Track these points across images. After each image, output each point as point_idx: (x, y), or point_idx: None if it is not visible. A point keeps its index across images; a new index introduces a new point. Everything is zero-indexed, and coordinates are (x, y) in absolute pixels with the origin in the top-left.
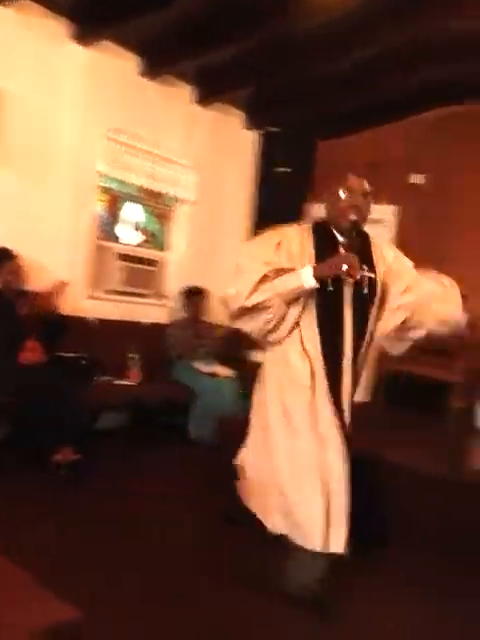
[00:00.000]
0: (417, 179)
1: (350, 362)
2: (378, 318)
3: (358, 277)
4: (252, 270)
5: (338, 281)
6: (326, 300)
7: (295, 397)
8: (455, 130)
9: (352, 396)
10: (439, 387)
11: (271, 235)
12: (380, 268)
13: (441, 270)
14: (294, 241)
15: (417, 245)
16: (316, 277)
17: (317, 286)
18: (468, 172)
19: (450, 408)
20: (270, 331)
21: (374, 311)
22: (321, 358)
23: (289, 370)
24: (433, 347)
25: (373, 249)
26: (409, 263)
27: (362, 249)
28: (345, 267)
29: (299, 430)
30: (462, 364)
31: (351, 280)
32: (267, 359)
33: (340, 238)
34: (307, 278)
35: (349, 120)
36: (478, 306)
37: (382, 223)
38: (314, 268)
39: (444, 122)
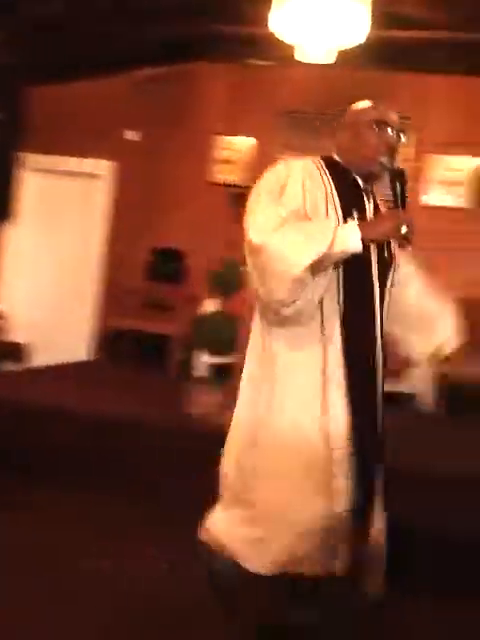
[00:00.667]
0: (132, 135)
1: (380, 348)
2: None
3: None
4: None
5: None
6: (352, 266)
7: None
8: (171, 89)
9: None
10: (162, 341)
11: (273, 181)
12: None
13: (160, 224)
14: (312, 177)
15: (135, 202)
16: (364, 240)
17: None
18: (181, 131)
19: (171, 360)
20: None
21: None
22: (341, 344)
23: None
24: (152, 302)
25: (407, 194)
26: None
27: (395, 196)
28: (405, 229)
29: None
30: (180, 317)
31: (407, 248)
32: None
33: (362, 184)
34: (354, 242)
35: (67, 69)
36: (202, 262)
37: (99, 179)
38: (361, 228)
39: (160, 80)
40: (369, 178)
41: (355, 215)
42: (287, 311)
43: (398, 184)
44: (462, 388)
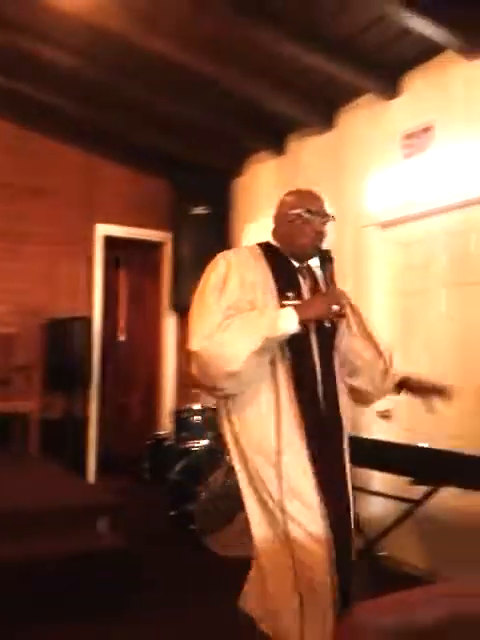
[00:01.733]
0: None
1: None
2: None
3: (344, 317)
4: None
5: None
6: (294, 343)
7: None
8: None
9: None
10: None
11: (215, 278)
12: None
13: None
14: (247, 266)
15: None
16: (301, 322)
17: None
18: None
19: None
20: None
21: (340, 345)
22: (296, 403)
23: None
24: None
25: (334, 272)
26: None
27: (325, 275)
28: (336, 307)
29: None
30: None
31: (340, 320)
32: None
33: (296, 264)
34: (291, 325)
35: None
36: None
37: None
38: (297, 310)
39: None
40: (303, 259)
41: (290, 296)
42: (225, 392)
43: (327, 265)
44: None
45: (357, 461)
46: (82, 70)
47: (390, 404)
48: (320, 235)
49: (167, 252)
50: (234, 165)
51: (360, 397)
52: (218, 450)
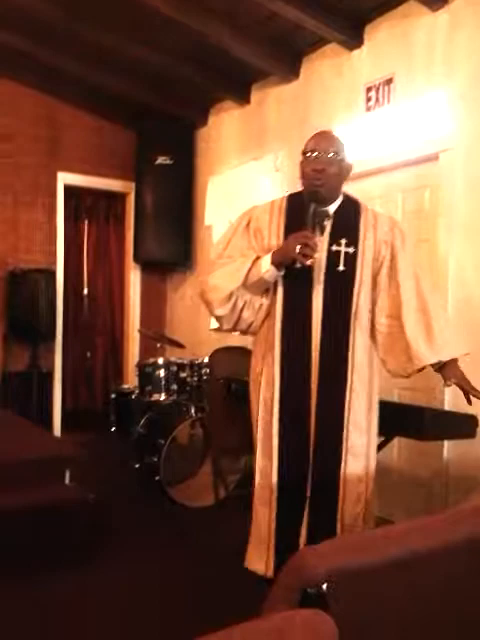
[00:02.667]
0: None
1: (319, 356)
2: (374, 298)
3: (315, 258)
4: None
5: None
6: (292, 283)
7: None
8: None
9: (333, 402)
10: None
11: (241, 217)
12: (369, 242)
13: None
14: (262, 218)
15: None
16: (274, 263)
17: (279, 273)
18: None
19: None
20: (242, 327)
21: (361, 290)
22: (279, 355)
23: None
24: None
25: (363, 219)
26: (408, 262)
27: (342, 219)
28: (298, 248)
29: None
30: None
31: (307, 264)
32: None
33: (311, 208)
34: (265, 265)
35: None
36: None
37: None
38: (273, 254)
39: None
40: (316, 201)
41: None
42: (218, 312)
43: (312, 206)
44: None
45: None
46: (40, 9)
47: None
48: (316, 173)
49: (131, 202)
50: (198, 115)
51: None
52: (182, 403)
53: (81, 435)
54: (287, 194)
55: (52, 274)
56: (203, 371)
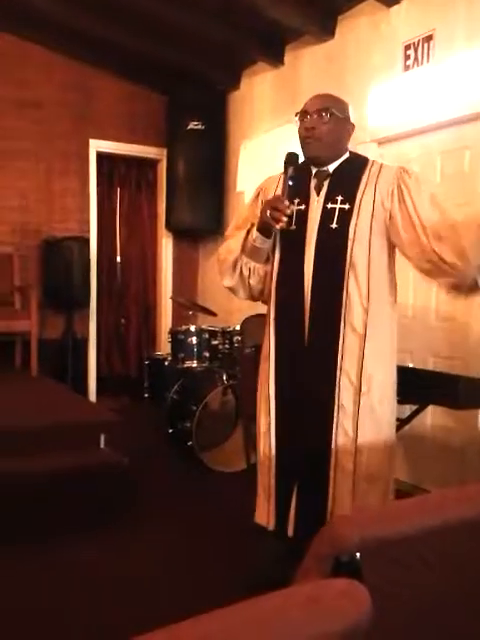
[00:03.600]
0: None
1: (309, 318)
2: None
3: (284, 221)
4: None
5: (300, 222)
6: (285, 248)
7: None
8: None
9: (324, 362)
10: None
11: (255, 191)
12: (367, 197)
13: None
14: (269, 188)
15: None
16: (258, 230)
17: (267, 239)
18: None
19: None
20: (255, 294)
21: (354, 246)
22: (273, 316)
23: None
24: None
25: (366, 175)
26: (422, 196)
27: (340, 177)
28: (268, 212)
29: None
30: None
31: (277, 227)
32: None
33: (313, 170)
34: (254, 232)
35: None
36: None
37: None
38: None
39: None
40: (314, 164)
41: (296, 202)
42: (226, 283)
43: (286, 167)
44: None
45: None
46: None
47: None
48: (306, 132)
49: (162, 169)
50: (231, 78)
51: (454, 286)
52: (214, 370)
53: (115, 401)
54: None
55: (86, 242)
56: (234, 339)
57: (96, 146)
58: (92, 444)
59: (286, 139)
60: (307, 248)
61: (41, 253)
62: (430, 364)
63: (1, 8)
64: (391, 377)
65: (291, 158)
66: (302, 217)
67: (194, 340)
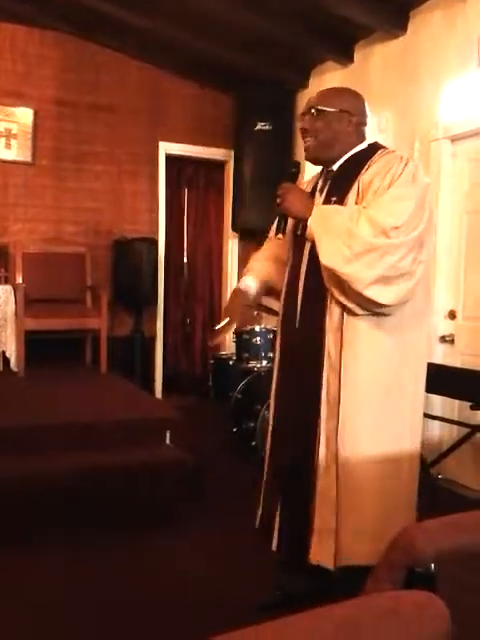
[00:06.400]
0: None
1: (299, 316)
2: None
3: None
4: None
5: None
6: (292, 245)
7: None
8: None
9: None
10: None
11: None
12: (353, 189)
13: None
14: (308, 186)
15: None
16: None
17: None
18: None
19: None
20: None
21: None
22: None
23: None
24: None
25: (366, 168)
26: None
27: (341, 175)
28: (279, 199)
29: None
30: None
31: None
32: None
33: (325, 171)
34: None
35: None
36: None
37: None
38: None
39: None
40: (324, 163)
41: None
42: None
43: (291, 173)
44: None
45: None
46: None
47: (452, 329)
48: (302, 134)
49: (230, 171)
50: (299, 78)
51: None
52: None
53: (181, 399)
54: None
55: (154, 242)
56: None
57: (165, 148)
58: (158, 441)
59: None
60: (306, 246)
61: (112, 253)
62: None
63: (76, 17)
64: (383, 382)
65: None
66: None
67: (259, 340)
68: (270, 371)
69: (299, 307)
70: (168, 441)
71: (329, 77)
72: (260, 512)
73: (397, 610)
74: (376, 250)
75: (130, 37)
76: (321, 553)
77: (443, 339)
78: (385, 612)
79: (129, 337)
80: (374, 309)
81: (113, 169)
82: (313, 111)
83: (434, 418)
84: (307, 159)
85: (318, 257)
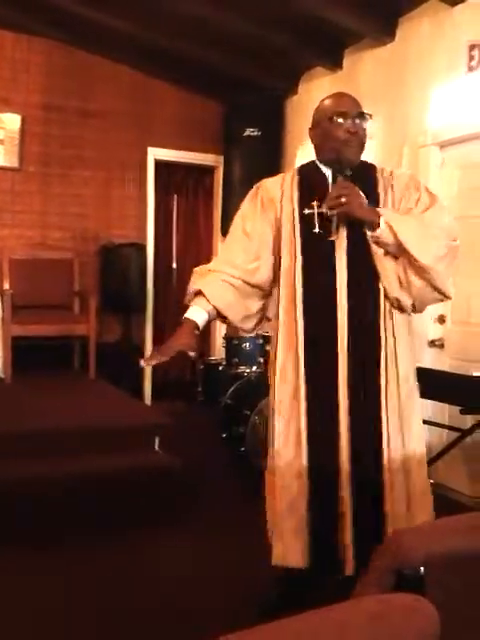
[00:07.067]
0: None
1: (347, 347)
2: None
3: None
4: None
5: (325, 222)
6: (310, 251)
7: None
8: None
9: (368, 407)
10: None
11: (252, 192)
12: (388, 205)
13: None
14: (272, 189)
15: None
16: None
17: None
18: None
19: None
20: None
21: (383, 265)
22: (302, 342)
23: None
24: None
25: (381, 182)
26: (424, 197)
27: (365, 183)
28: (343, 199)
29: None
30: None
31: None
32: None
33: (328, 174)
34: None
35: None
36: None
37: None
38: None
39: None
40: (341, 165)
41: (315, 204)
42: None
43: (339, 177)
44: None
45: None
46: None
47: (442, 333)
48: (354, 136)
49: (219, 176)
50: (288, 84)
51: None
52: (268, 376)
53: (170, 404)
54: (297, 167)
55: (143, 248)
56: None
57: (154, 154)
58: (146, 446)
59: None
60: (338, 250)
61: (100, 259)
62: None
63: (65, 23)
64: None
65: (347, 161)
66: (325, 222)
67: (248, 345)
68: (262, 376)
69: (345, 308)
70: (157, 447)
71: (318, 83)
72: (310, 539)
73: (386, 613)
74: (453, 251)
75: (118, 43)
76: None
77: (433, 343)
78: (374, 615)
79: (118, 343)
80: (430, 304)
81: (101, 175)
82: (367, 116)
83: (424, 422)
84: (349, 158)
85: (364, 254)
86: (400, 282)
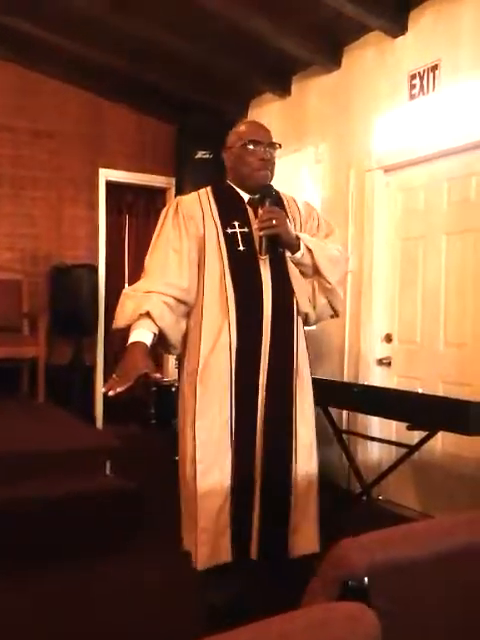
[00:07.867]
0: None
1: (268, 357)
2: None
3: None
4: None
5: (249, 241)
6: (238, 269)
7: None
8: None
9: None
10: None
11: (172, 210)
12: (297, 226)
13: None
14: (191, 207)
15: None
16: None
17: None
18: None
19: None
20: None
21: (298, 283)
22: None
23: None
24: None
25: (287, 207)
26: (323, 224)
27: (280, 207)
28: (274, 221)
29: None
30: None
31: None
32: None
33: (245, 196)
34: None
35: None
36: None
37: None
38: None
39: None
40: (253, 190)
41: (236, 224)
42: None
43: (266, 201)
44: None
45: (356, 407)
46: (83, 6)
47: (389, 352)
48: (266, 163)
49: (170, 198)
50: (239, 108)
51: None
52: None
53: (122, 427)
54: (210, 186)
55: (94, 269)
56: None
57: (106, 175)
58: (97, 470)
59: (292, 167)
60: (263, 268)
61: (50, 280)
62: (440, 390)
63: (15, 43)
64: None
65: (271, 191)
66: (248, 241)
67: None
68: None
69: (269, 320)
70: (108, 470)
71: (267, 108)
72: (232, 529)
73: (329, 622)
74: (346, 276)
75: (70, 64)
76: (300, 545)
77: (380, 362)
78: (317, 624)
79: (68, 366)
80: (323, 321)
81: (52, 195)
82: (277, 145)
83: (373, 439)
84: (263, 184)
85: (284, 273)
86: (309, 299)
